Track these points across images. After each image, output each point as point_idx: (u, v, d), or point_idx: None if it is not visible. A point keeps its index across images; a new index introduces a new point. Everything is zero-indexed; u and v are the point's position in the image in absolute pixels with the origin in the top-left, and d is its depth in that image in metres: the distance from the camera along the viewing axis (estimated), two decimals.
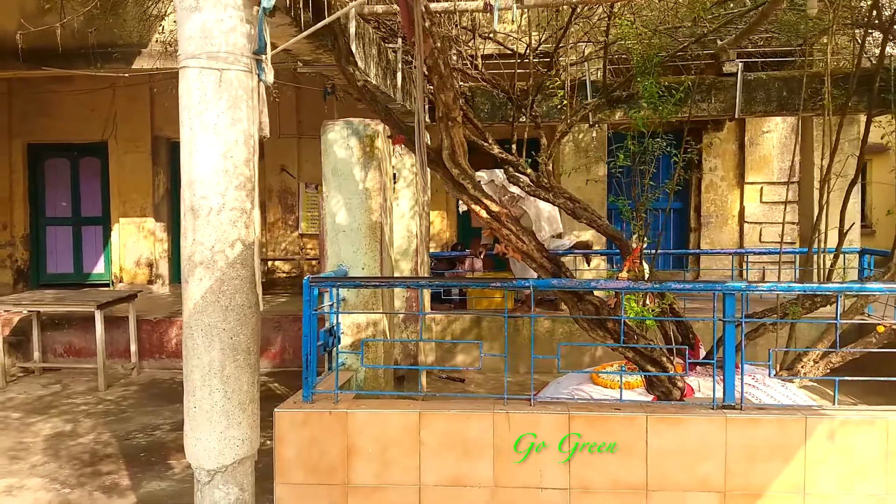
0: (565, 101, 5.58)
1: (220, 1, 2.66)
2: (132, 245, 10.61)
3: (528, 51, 6.05)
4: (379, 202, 4.37)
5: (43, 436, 6.05)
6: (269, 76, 2.75)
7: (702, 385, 4.81)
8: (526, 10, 4.34)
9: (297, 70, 4.36)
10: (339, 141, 4.31)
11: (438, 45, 3.31)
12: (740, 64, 6.51)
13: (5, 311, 7.95)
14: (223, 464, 2.84)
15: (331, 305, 4.17)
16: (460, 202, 6.49)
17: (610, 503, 3.52)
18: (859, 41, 5.17)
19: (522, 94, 6.21)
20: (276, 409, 3.68)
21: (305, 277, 3.68)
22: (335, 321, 3.85)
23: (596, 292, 3.88)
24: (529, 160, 5.69)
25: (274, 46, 2.99)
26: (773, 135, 9.58)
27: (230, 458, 2.84)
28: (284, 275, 10.60)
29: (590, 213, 5.52)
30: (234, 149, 2.74)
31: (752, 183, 9.72)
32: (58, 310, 7.86)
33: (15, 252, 10.71)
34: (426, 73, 3.29)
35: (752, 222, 9.84)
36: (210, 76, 2.67)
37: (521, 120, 6.18)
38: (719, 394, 4.71)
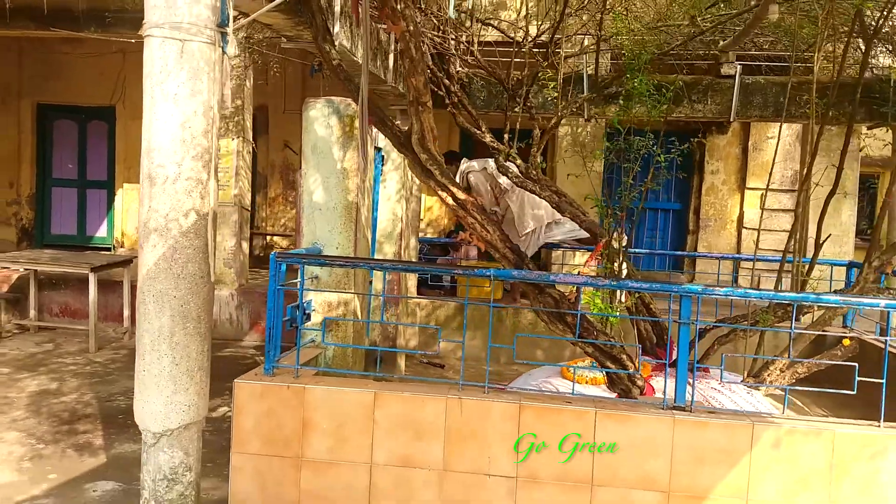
0: (556, 94, 5.56)
1: None
2: (135, 211, 10.71)
3: (524, 40, 6.04)
4: (356, 182, 4.41)
5: (28, 392, 6.18)
6: (232, 48, 2.79)
7: (671, 386, 4.84)
8: None
9: (281, 46, 4.38)
10: (320, 119, 4.35)
11: (411, 28, 3.33)
12: (738, 66, 6.46)
13: (3, 267, 8.08)
14: (168, 427, 2.90)
15: (303, 282, 4.24)
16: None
17: (556, 494, 3.56)
18: (858, 49, 5.13)
19: (518, 83, 6.21)
20: (235, 380, 3.75)
21: (272, 252, 3.73)
22: (302, 298, 3.89)
23: (560, 287, 3.91)
24: (522, 146, 5.70)
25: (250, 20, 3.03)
26: (778, 141, 9.48)
27: (176, 423, 2.90)
28: (281, 250, 10.68)
29: (574, 208, 5.54)
30: (192, 119, 2.79)
31: (753, 188, 9.67)
32: (54, 270, 7.99)
33: (20, 210, 10.86)
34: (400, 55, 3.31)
35: (750, 228, 9.78)
36: (172, 46, 2.71)
37: (515, 110, 6.19)
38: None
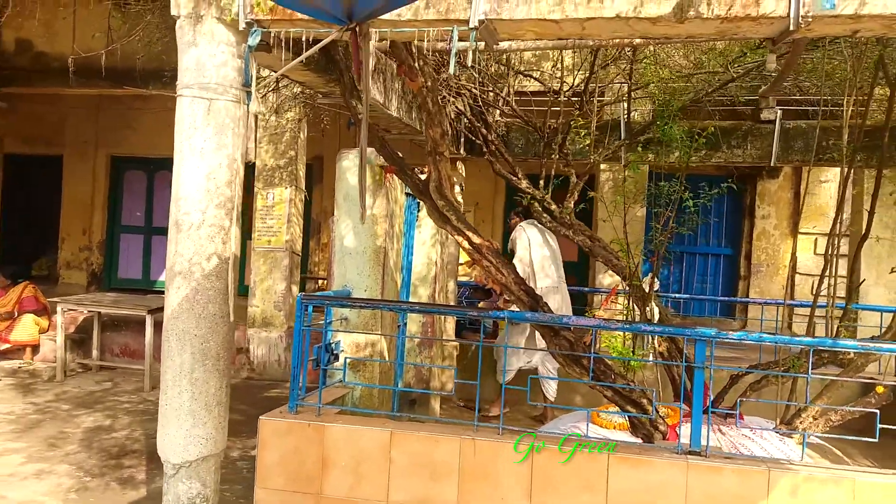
0: (587, 141, 5.69)
1: (213, 37, 2.97)
2: None
3: (560, 89, 6.21)
4: (384, 228, 4.60)
5: (83, 428, 6.52)
6: (255, 106, 3.03)
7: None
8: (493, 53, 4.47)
9: (317, 102, 4.67)
10: (352, 169, 4.58)
11: (428, 83, 3.53)
12: (779, 111, 6.44)
13: (69, 309, 8.59)
14: (187, 459, 3.08)
15: (329, 323, 4.43)
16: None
17: None
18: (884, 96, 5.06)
19: (553, 131, 6.37)
20: (260, 417, 3.92)
21: (298, 295, 3.92)
22: (326, 339, 4.07)
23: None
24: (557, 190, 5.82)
25: (280, 77, 3.28)
26: (832, 185, 9.32)
27: (194, 455, 3.08)
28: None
29: (607, 252, 5.60)
30: (217, 171, 3.03)
31: (806, 233, 9.46)
32: (115, 312, 8.44)
33: (91, 256, 11.52)
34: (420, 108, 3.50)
35: (804, 273, 9.54)
36: (200, 105, 2.98)
37: (551, 157, 6.33)
38: (713, 443, 4.68)
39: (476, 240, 3.69)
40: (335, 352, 4.57)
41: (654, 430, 4.12)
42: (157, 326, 8.38)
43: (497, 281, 3.74)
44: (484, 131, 6.54)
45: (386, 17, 2.82)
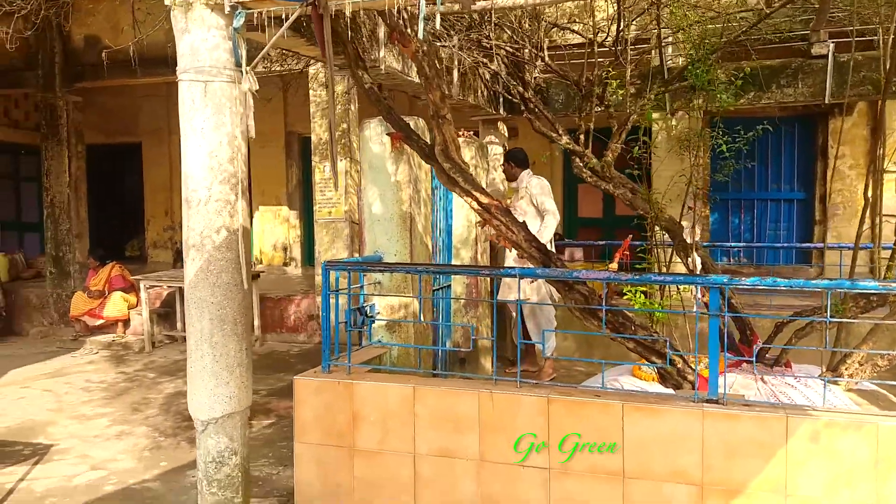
0: (621, 93, 5.55)
1: (204, 23, 3.13)
2: (269, 230, 11.73)
3: (594, 40, 6.08)
4: (409, 193, 4.71)
5: (165, 393, 7.05)
6: (247, 84, 3.18)
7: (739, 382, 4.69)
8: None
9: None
10: (374, 137, 4.69)
11: (424, 48, 3.57)
12: (831, 44, 6.04)
13: (154, 285, 9.21)
14: (213, 416, 3.34)
15: (361, 287, 4.61)
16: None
17: (588, 485, 3.63)
18: None
19: (590, 83, 6.24)
20: (296, 377, 4.17)
21: (323, 262, 4.10)
22: (350, 303, 4.25)
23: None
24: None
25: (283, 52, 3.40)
26: None
27: (219, 412, 3.33)
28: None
29: (646, 203, 5.51)
30: (218, 149, 3.21)
31: (889, 172, 8.86)
32: None
33: (174, 235, 12.23)
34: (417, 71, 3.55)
35: (888, 214, 8.97)
36: (197, 87, 3.15)
37: (588, 111, 6.22)
38: (753, 392, 4.58)
39: (484, 200, 3.74)
40: (370, 314, 4.76)
41: (683, 379, 4.09)
42: None
43: (508, 239, 3.79)
44: (520, 89, 6.49)
45: None
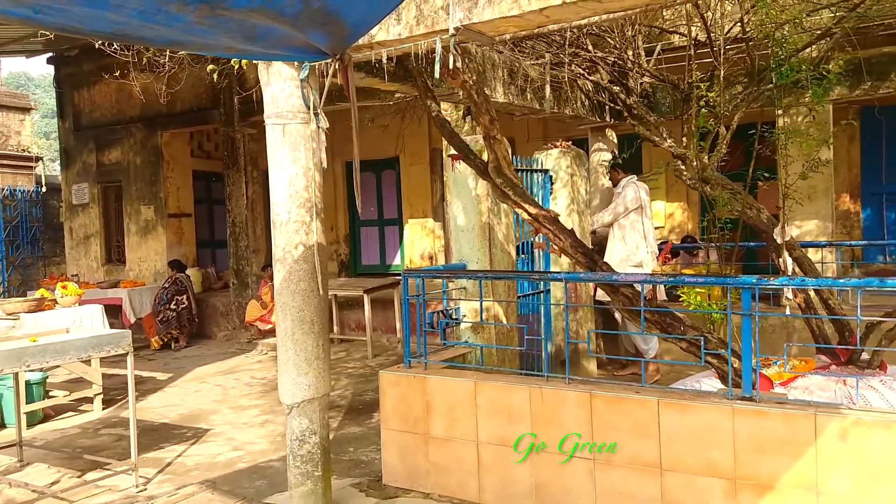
0: (710, 94, 5.60)
1: (281, 76, 3.83)
2: (417, 241, 12.62)
3: (691, 41, 6.15)
4: (487, 206, 5.18)
5: None
6: (313, 124, 3.82)
7: (821, 384, 4.63)
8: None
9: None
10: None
11: (474, 78, 4.04)
12: None
13: None
14: (295, 401, 4.02)
15: (444, 293, 5.16)
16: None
17: (627, 475, 3.88)
18: None
19: (690, 86, 6.30)
20: (380, 371, 4.80)
21: (402, 270, 4.70)
22: (424, 308, 4.80)
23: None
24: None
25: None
26: None
27: (300, 398, 4.01)
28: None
29: (743, 203, 5.54)
30: (295, 179, 3.90)
31: None
32: (341, 293, 10.02)
33: (339, 248, 13.51)
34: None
35: None
36: (277, 129, 3.86)
37: (692, 112, 6.28)
38: (830, 394, 4.51)
39: (533, 210, 4.12)
40: (455, 317, 5.29)
41: (740, 379, 4.18)
42: (381, 303, 9.84)
43: (558, 246, 4.13)
44: (623, 97, 6.70)
45: (387, 37, 3.41)
